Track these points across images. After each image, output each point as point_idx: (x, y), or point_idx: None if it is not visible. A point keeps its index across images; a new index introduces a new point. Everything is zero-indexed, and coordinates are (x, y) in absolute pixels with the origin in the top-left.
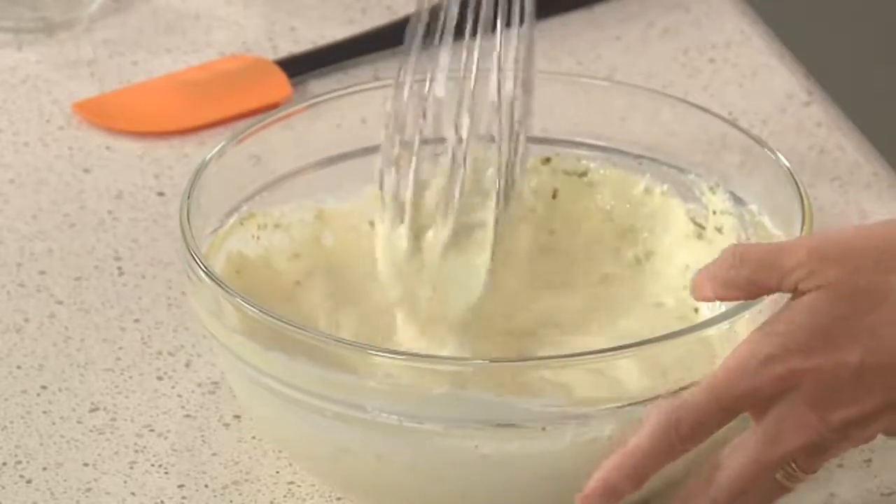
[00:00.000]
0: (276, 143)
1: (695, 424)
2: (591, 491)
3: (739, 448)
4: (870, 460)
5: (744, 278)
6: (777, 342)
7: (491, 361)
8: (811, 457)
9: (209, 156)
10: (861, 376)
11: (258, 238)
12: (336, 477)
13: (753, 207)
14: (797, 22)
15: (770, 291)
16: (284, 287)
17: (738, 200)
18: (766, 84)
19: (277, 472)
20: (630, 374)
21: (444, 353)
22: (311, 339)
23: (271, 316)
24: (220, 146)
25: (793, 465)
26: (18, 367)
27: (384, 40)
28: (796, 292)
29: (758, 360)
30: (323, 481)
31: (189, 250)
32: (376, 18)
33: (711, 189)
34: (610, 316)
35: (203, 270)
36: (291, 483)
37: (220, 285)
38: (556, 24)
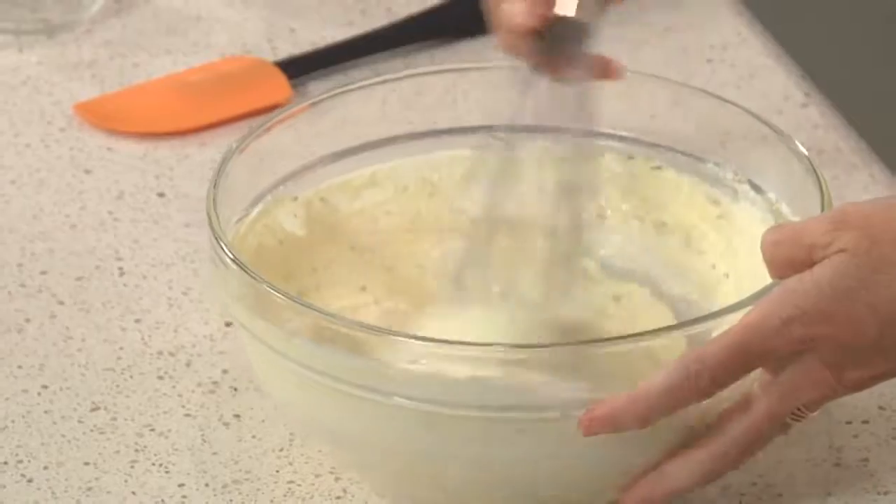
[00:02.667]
0: (298, 134)
1: (712, 378)
2: (595, 415)
3: (752, 401)
4: (867, 459)
5: (782, 257)
6: (799, 303)
7: (515, 346)
8: (820, 404)
9: (235, 144)
10: (879, 344)
11: (295, 216)
12: (357, 462)
13: (772, 196)
14: (794, 23)
15: (803, 268)
16: (311, 271)
17: (756, 188)
18: (763, 85)
19: (277, 472)
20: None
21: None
22: (336, 324)
23: (297, 302)
24: (242, 136)
25: (801, 407)
26: (19, 367)
27: (384, 42)
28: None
29: (780, 319)
30: (342, 466)
31: (215, 236)
32: (376, 20)
33: (737, 178)
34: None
35: (229, 257)
36: (291, 482)
37: (245, 271)
38: None
